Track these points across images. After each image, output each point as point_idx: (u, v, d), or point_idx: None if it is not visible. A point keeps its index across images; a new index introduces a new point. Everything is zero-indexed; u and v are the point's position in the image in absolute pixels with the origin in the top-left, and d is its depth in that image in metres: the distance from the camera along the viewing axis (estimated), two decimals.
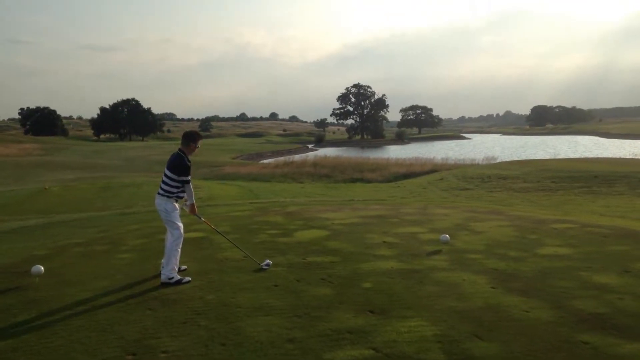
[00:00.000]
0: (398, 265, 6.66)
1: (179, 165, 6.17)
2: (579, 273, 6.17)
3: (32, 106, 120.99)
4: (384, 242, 8.16)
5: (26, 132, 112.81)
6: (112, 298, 5.61)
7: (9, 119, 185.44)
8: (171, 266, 6.14)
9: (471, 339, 4.32)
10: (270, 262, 6.85)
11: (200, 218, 6.65)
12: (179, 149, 6.34)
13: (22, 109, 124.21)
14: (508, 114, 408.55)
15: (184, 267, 6.66)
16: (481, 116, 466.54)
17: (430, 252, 7.42)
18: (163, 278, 6.11)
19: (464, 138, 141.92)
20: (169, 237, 6.32)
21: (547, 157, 48.68)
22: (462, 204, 14.21)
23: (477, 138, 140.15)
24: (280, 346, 4.26)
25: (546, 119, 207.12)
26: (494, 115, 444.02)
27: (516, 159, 42.80)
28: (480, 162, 37.66)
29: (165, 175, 6.24)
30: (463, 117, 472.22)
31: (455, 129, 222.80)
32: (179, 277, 6.16)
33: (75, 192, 23.67)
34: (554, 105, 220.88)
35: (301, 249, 7.73)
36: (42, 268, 6.32)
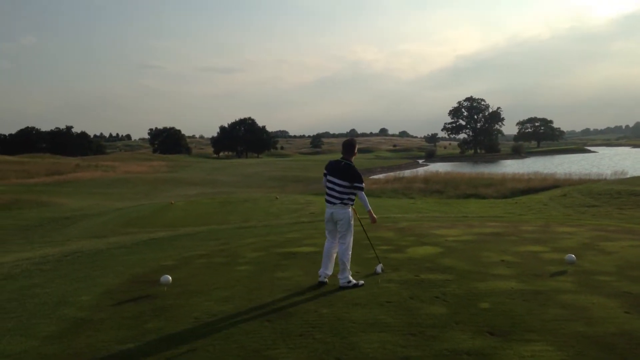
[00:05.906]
0: (518, 286, 6.32)
1: (356, 173, 6.54)
2: None
3: (160, 126, 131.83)
4: (502, 260, 7.80)
5: (154, 151, 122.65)
6: (232, 308, 5.87)
7: (140, 139, 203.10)
8: (348, 272, 6.56)
9: None
10: (379, 268, 7.24)
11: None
12: (344, 158, 6.67)
13: (151, 129, 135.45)
14: (639, 125, 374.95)
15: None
16: (608, 128, 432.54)
17: (554, 272, 6.97)
18: (342, 282, 6.51)
19: (589, 151, 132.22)
20: (340, 246, 6.63)
21: None
22: (588, 222, 13.22)
23: (604, 151, 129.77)
24: None
25: None
26: (623, 127, 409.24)
27: None
28: (608, 177, 34.84)
29: (339, 185, 6.53)
30: (587, 130, 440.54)
31: (579, 142, 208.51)
32: (354, 281, 6.58)
33: (197, 206, 25.18)
34: None
35: (413, 266, 7.60)
36: (170, 278, 6.77)
